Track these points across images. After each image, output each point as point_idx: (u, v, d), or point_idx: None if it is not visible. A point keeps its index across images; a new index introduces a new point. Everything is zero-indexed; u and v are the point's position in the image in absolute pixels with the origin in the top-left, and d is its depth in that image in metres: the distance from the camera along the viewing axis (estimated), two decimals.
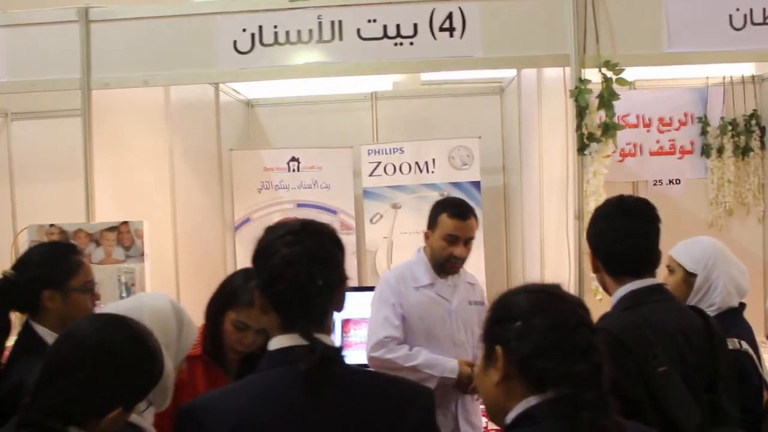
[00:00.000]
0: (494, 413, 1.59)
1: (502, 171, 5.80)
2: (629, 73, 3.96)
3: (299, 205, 5.54)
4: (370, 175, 5.51)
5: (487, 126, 5.70)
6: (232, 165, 5.53)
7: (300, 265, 1.64)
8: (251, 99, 6.01)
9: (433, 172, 5.47)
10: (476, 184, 5.41)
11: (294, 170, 5.57)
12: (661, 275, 2.85)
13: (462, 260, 3.28)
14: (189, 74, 3.78)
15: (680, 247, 2.96)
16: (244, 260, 5.39)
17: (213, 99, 5.32)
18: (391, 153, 5.50)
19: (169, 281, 4.46)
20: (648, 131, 5.39)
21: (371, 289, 4.95)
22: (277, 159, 5.59)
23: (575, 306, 1.55)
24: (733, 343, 2.62)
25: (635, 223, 2.24)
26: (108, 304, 2.44)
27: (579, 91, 3.47)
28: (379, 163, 5.49)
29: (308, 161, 5.58)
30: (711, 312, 2.85)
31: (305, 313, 1.65)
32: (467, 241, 3.27)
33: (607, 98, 3.48)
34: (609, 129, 3.49)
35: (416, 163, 5.48)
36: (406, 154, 5.49)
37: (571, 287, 3.63)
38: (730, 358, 2.26)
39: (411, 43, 3.60)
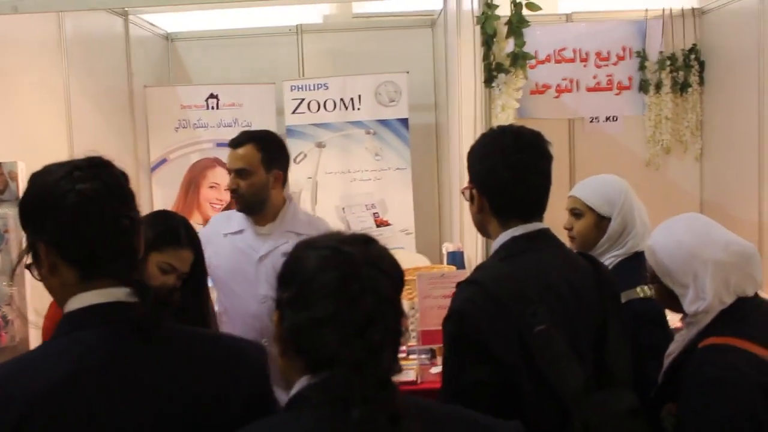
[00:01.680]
0: (286, 383, 1.34)
1: (433, 108, 5.56)
2: (567, 4, 3.75)
3: (219, 145, 5.24)
4: (294, 112, 5.24)
5: (418, 61, 5.45)
6: (146, 102, 5.22)
7: (102, 201, 1.40)
8: (170, 33, 5.68)
9: (359, 109, 5.22)
10: (404, 122, 5.17)
11: (213, 108, 5.29)
12: (558, 219, 2.64)
13: (236, 194, 2.93)
14: (62, 2, 3.45)
15: (586, 188, 2.66)
16: (162, 201, 5.15)
17: (122, 32, 4.99)
18: (315, 89, 5.23)
19: None
20: (585, 66, 5.18)
21: None
22: (195, 96, 5.29)
23: (366, 269, 1.27)
24: (643, 291, 2.40)
25: (536, 159, 1.94)
26: None
27: (485, 18, 3.22)
28: (303, 99, 5.23)
29: (228, 98, 5.29)
30: (617, 258, 2.64)
31: (118, 257, 1.42)
32: (239, 173, 2.90)
33: (516, 25, 3.24)
34: (518, 59, 3.25)
35: (341, 99, 5.22)
36: (330, 90, 5.22)
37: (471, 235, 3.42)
38: (622, 311, 2.02)
39: None
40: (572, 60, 5.17)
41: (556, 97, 5.16)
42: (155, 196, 5.21)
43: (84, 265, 1.41)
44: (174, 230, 2.37)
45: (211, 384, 1.42)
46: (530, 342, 1.74)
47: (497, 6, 3.23)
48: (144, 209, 4.18)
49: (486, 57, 3.25)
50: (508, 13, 3.34)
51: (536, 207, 1.97)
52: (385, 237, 4.82)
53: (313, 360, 1.24)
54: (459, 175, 4.15)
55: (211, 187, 5.24)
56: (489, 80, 3.26)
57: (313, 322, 1.23)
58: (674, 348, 2.10)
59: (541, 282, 1.84)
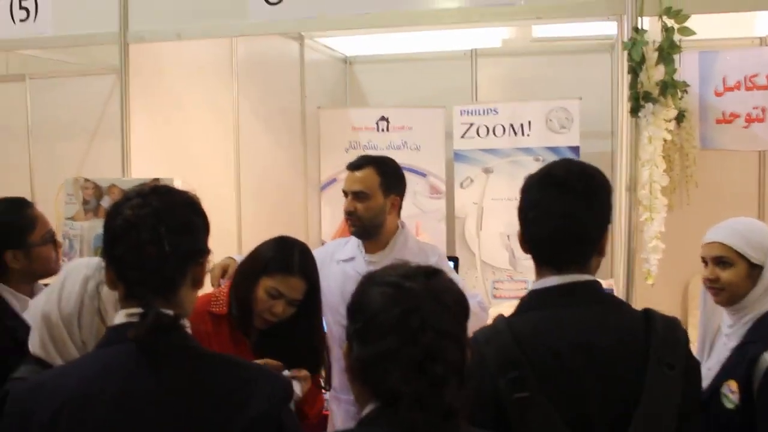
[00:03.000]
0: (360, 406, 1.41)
1: (609, 136, 5.30)
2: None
3: None
4: (462, 136, 5.18)
5: (593, 87, 5.22)
6: (320, 124, 5.38)
7: (143, 228, 1.48)
8: (349, 56, 5.83)
9: (528, 135, 5.07)
10: (575, 149, 4.97)
11: (383, 130, 5.35)
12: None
13: (353, 217, 2.92)
14: (221, 26, 3.62)
15: (734, 234, 2.38)
16: (330, 219, 5.29)
17: (297, 55, 5.18)
18: (485, 114, 5.15)
19: (230, 237, 4.40)
20: None
21: (456, 260, 4.75)
22: (366, 118, 5.38)
23: (427, 304, 1.30)
24: None
25: (560, 198, 1.72)
26: (84, 259, 2.40)
27: (633, 43, 3.01)
28: (472, 124, 5.16)
29: (398, 121, 5.34)
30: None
31: (146, 281, 1.49)
32: (356, 196, 2.91)
33: (667, 51, 2.99)
34: (668, 88, 3.01)
35: (511, 125, 5.09)
36: (500, 116, 5.11)
37: (621, 269, 3.20)
38: (669, 385, 1.66)
39: None
40: (765, 87, 4.75)
41: (746, 126, 4.75)
42: (324, 213, 5.35)
43: (125, 285, 1.52)
44: (287, 258, 2.41)
45: (214, 410, 1.45)
46: (508, 408, 1.57)
47: (645, 31, 3.01)
48: (312, 227, 4.31)
49: (633, 85, 3.03)
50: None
51: (565, 255, 1.75)
52: None
53: (379, 391, 1.30)
54: (618, 207, 3.92)
55: None
56: (635, 110, 3.03)
57: (377, 356, 1.29)
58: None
59: (544, 345, 1.64)
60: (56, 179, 5.00)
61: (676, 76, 3.05)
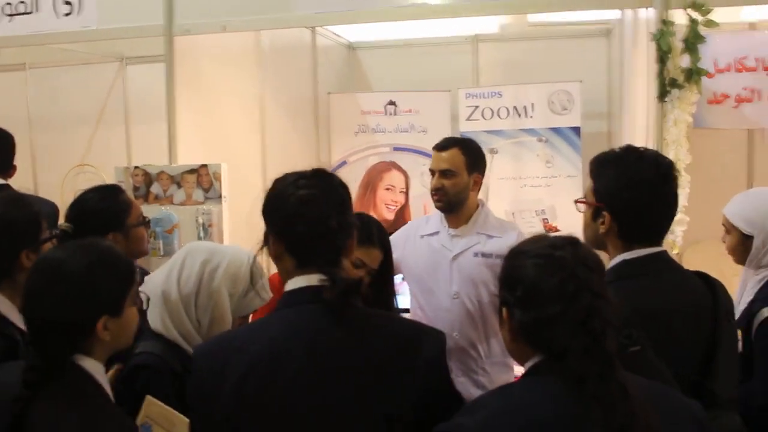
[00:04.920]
0: (516, 360, 1.64)
1: (606, 117, 5.59)
2: (750, 11, 3.72)
3: (395, 149, 5.54)
4: (468, 119, 5.40)
5: (592, 70, 5.49)
6: (330, 108, 5.58)
7: (315, 205, 1.71)
8: (353, 42, 6.01)
9: (531, 117, 5.32)
10: (576, 130, 5.23)
11: (391, 114, 5.56)
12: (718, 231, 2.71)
13: (440, 193, 3.15)
14: (266, 19, 3.80)
15: (735, 205, 2.72)
16: None
17: (310, 42, 5.36)
18: (489, 97, 5.38)
19: (255, 222, 4.57)
20: None
21: None
22: (375, 102, 5.58)
23: (577, 269, 1.50)
24: None
25: (675, 190, 2.07)
26: (200, 243, 2.55)
27: (661, 34, 3.28)
28: (477, 107, 5.39)
29: (405, 105, 5.55)
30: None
31: (322, 252, 1.72)
32: (443, 174, 3.13)
33: (692, 42, 3.27)
34: (693, 75, 3.29)
35: (515, 107, 5.33)
36: (504, 98, 5.35)
37: None
38: (735, 337, 2.09)
39: None
40: (754, 69, 5.03)
41: (735, 107, 5.03)
42: None
43: (299, 256, 1.73)
44: (368, 231, 2.61)
45: (394, 357, 1.68)
46: (623, 361, 1.83)
47: (673, 23, 3.28)
48: None
49: (660, 73, 3.30)
50: (684, 27, 3.37)
51: (663, 233, 2.09)
52: None
53: (547, 349, 1.49)
54: None
55: (387, 189, 5.52)
56: (662, 95, 3.31)
57: (543, 320, 1.48)
58: None
59: (643, 305, 1.91)
60: (59, 167, 5.14)
61: None
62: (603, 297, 1.48)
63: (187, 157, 3.92)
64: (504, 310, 1.58)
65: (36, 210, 2.29)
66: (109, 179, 5.11)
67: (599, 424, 1.37)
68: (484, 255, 3.13)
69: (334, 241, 1.73)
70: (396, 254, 3.03)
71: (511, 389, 1.59)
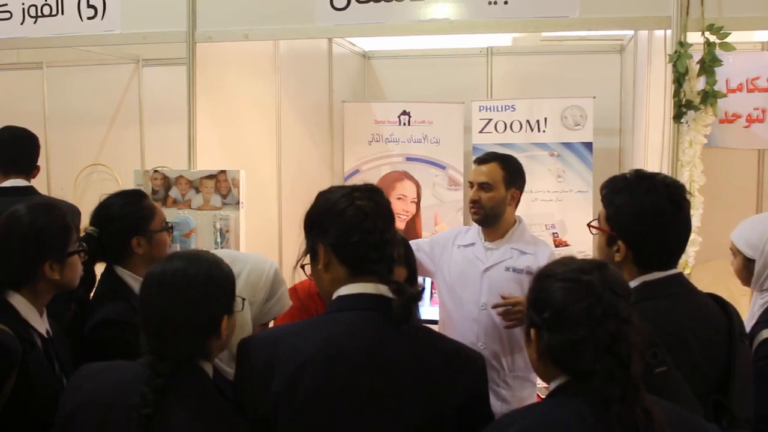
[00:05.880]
0: (541, 379, 1.69)
1: (618, 133, 5.63)
2: (761, 32, 3.77)
3: (408, 159, 5.59)
4: (481, 131, 5.45)
5: (604, 86, 5.54)
6: (344, 117, 5.63)
7: (372, 217, 1.78)
8: (367, 51, 6.07)
9: (544, 131, 5.36)
10: (588, 146, 5.28)
11: (405, 124, 5.61)
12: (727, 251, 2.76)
13: (477, 206, 3.21)
14: (288, 29, 3.85)
15: (740, 230, 2.76)
16: None
17: (326, 51, 5.41)
18: (502, 110, 5.42)
19: (272, 228, 4.64)
20: None
21: None
22: (388, 112, 5.64)
23: (604, 294, 1.54)
24: None
25: (683, 219, 2.11)
26: (220, 251, 2.58)
27: (678, 56, 3.32)
28: (490, 120, 5.43)
29: (419, 115, 5.60)
30: None
31: (381, 261, 1.79)
32: (482, 186, 3.19)
33: (709, 64, 3.31)
34: (709, 97, 3.33)
35: (527, 121, 5.38)
36: (517, 112, 5.40)
37: None
38: (749, 357, 2.16)
39: (505, 2, 3.53)
40: (766, 89, 5.07)
41: (747, 126, 5.07)
42: None
43: (355, 264, 1.79)
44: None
45: (441, 372, 1.74)
46: (650, 381, 1.78)
47: (690, 45, 3.32)
48: None
49: (676, 94, 3.34)
50: (700, 49, 3.42)
51: (678, 257, 2.15)
52: None
53: (572, 370, 1.56)
54: None
55: (399, 198, 5.56)
56: (679, 116, 3.35)
57: (570, 343, 1.54)
58: None
59: (666, 326, 1.95)
60: (72, 166, 5.19)
61: None
62: (629, 322, 1.53)
63: (205, 161, 3.96)
64: (532, 330, 1.63)
65: (67, 221, 2.32)
66: (122, 179, 5.19)
67: None
68: (515, 270, 3.20)
69: (388, 252, 1.81)
70: (436, 253, 3.23)
71: (539, 408, 1.65)
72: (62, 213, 2.33)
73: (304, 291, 2.90)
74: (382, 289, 1.77)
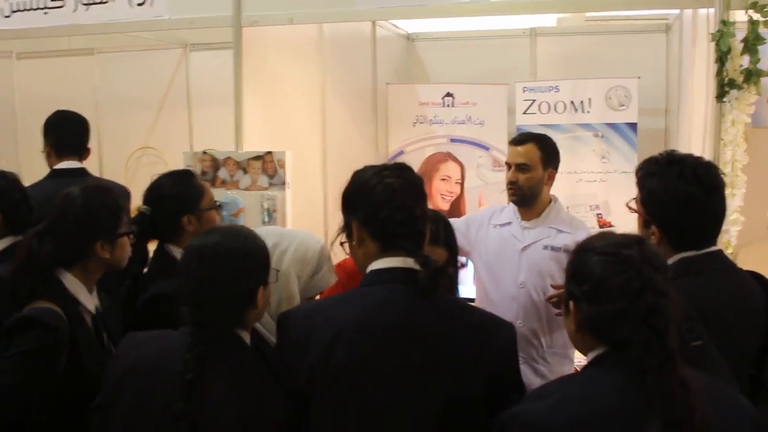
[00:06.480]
0: (578, 350, 1.75)
1: (663, 113, 5.59)
2: None
3: (452, 140, 5.62)
4: (525, 112, 5.45)
5: (650, 66, 5.49)
6: (388, 99, 5.68)
7: (401, 194, 1.86)
8: (411, 33, 6.10)
9: (588, 111, 5.34)
10: (633, 126, 5.25)
11: (449, 105, 5.63)
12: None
13: (515, 186, 3.27)
14: (331, 13, 3.92)
15: None
16: None
17: (370, 34, 5.46)
18: (546, 91, 5.42)
19: (317, 208, 4.73)
20: None
21: None
22: (432, 94, 5.66)
23: (643, 268, 1.59)
24: None
25: (716, 200, 2.16)
26: (269, 227, 2.66)
27: (720, 35, 3.31)
28: (534, 100, 5.43)
29: (463, 97, 5.61)
30: None
31: (410, 236, 1.86)
32: (519, 168, 3.25)
33: (752, 42, 3.30)
34: (752, 76, 3.32)
35: (572, 102, 5.36)
36: (561, 93, 5.39)
37: None
38: None
39: None
40: None
41: None
42: None
43: (384, 240, 1.87)
44: (435, 231, 2.71)
45: (470, 342, 1.81)
46: (686, 355, 1.84)
47: (733, 23, 3.31)
48: None
49: (719, 73, 3.34)
50: (744, 27, 3.40)
51: (715, 236, 2.19)
52: None
53: (610, 341, 1.61)
54: None
55: (443, 179, 5.60)
56: (721, 95, 3.34)
57: (609, 315, 1.59)
58: None
59: (703, 302, 1.99)
60: (123, 150, 5.34)
61: None
62: (666, 295, 1.58)
63: (251, 143, 4.06)
64: (571, 302, 1.69)
65: (119, 204, 2.44)
66: (171, 162, 5.30)
67: (659, 416, 1.47)
68: (553, 248, 3.25)
69: (417, 228, 1.88)
70: (472, 233, 3.30)
71: (576, 379, 1.70)
72: (114, 196, 2.46)
73: (350, 266, 2.99)
74: (410, 263, 1.84)
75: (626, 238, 1.68)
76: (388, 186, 1.85)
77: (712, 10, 3.44)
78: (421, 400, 1.76)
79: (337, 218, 4.48)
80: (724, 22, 3.32)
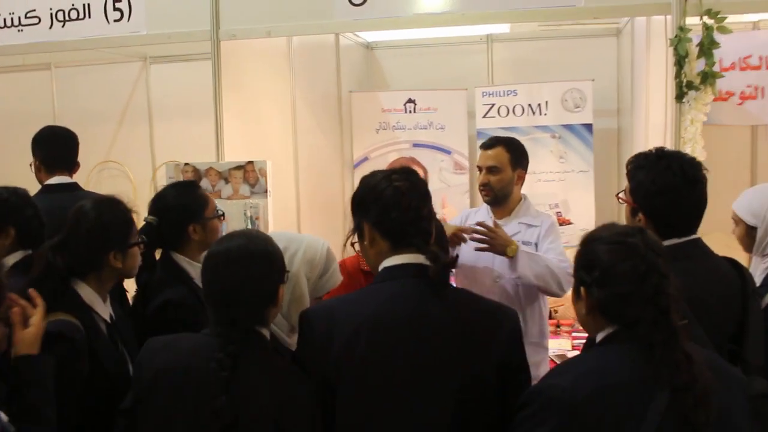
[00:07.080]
0: (588, 332, 1.93)
1: (616, 114, 5.83)
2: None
3: (415, 145, 5.79)
4: (484, 116, 5.64)
5: (602, 69, 5.74)
6: (352, 107, 5.82)
7: (410, 196, 2.00)
8: (370, 42, 6.25)
9: (545, 114, 5.57)
10: (588, 127, 5.49)
11: (410, 111, 5.80)
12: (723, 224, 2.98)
13: (487, 188, 3.47)
14: (308, 25, 4.04)
15: (742, 199, 3.01)
16: None
17: (333, 43, 5.60)
18: (504, 95, 5.62)
19: (290, 214, 4.84)
20: None
21: None
22: (394, 100, 5.83)
23: (647, 254, 1.78)
24: None
25: (698, 192, 2.36)
26: (276, 232, 2.77)
27: (678, 40, 3.54)
28: (493, 105, 5.63)
29: (424, 103, 5.79)
30: None
31: (418, 234, 2.01)
32: (490, 170, 3.45)
33: (707, 47, 3.54)
34: (708, 77, 3.56)
35: (529, 105, 5.58)
36: (519, 96, 5.60)
37: None
38: (761, 312, 2.40)
39: None
40: (758, 67, 5.25)
41: (740, 104, 5.26)
42: None
43: (395, 239, 2.02)
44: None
45: (481, 328, 1.98)
46: None
47: (690, 29, 3.54)
48: (347, 201, 4.75)
49: (678, 75, 3.57)
50: (698, 30, 3.63)
51: (696, 225, 2.40)
52: (566, 235, 5.17)
53: (620, 320, 1.79)
54: None
55: None
56: (680, 96, 3.57)
57: (618, 296, 1.78)
58: None
59: (687, 285, 2.07)
60: (84, 164, 5.35)
61: None
62: (668, 277, 1.78)
63: (227, 154, 4.15)
64: (582, 288, 1.86)
65: (129, 215, 2.53)
66: (134, 175, 5.37)
67: (666, 383, 1.66)
68: (524, 243, 3.42)
69: (425, 226, 2.03)
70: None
71: (591, 356, 1.87)
72: (125, 208, 2.54)
73: (353, 266, 3.15)
74: (421, 258, 1.99)
75: (629, 228, 1.88)
76: (398, 189, 1.99)
77: (668, 17, 3.66)
78: (439, 385, 1.92)
79: (310, 222, 4.62)
80: (681, 29, 3.55)
